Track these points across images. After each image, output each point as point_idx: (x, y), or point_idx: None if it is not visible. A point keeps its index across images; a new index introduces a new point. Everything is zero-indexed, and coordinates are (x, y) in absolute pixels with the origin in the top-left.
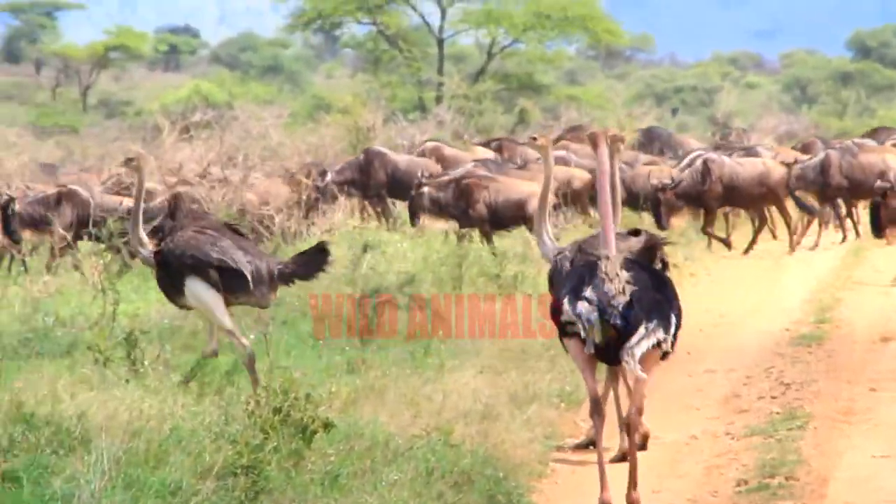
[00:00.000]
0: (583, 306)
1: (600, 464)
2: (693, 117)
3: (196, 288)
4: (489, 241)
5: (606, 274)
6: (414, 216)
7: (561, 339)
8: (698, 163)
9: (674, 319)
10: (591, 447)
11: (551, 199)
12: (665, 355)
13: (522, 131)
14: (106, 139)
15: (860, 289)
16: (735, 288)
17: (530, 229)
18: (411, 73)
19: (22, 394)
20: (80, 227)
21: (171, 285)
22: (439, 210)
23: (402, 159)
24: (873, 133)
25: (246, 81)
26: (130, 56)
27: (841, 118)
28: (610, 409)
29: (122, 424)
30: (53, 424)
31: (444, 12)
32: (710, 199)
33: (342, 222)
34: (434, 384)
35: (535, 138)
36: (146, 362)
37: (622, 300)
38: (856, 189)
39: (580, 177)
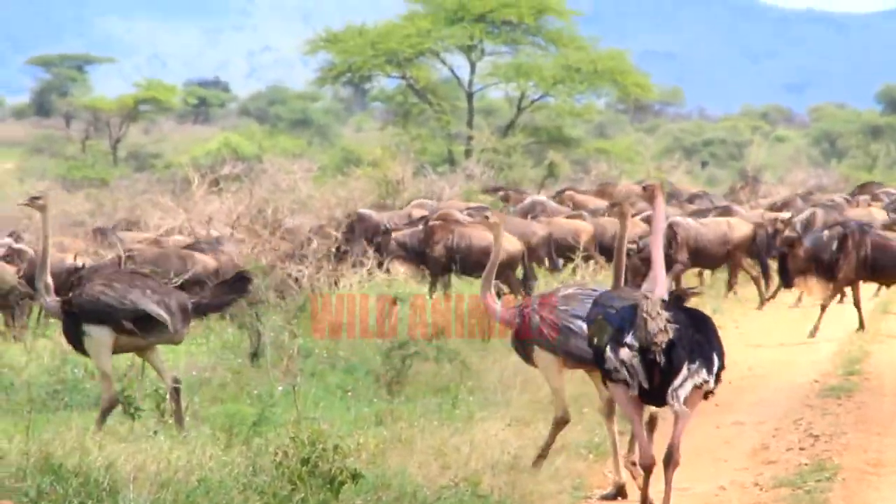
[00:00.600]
0: (624, 353)
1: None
2: (722, 171)
3: (95, 334)
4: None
5: (648, 313)
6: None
7: (604, 384)
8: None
9: (716, 360)
10: (620, 498)
11: (494, 269)
12: (707, 395)
13: (552, 185)
14: (135, 192)
15: (889, 341)
16: (763, 340)
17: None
18: (441, 126)
19: (51, 445)
20: None
21: (74, 334)
22: (405, 253)
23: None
24: (863, 188)
25: (275, 134)
26: (160, 109)
27: (870, 171)
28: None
29: (151, 475)
30: (82, 475)
31: (473, 66)
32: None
33: (365, 276)
34: (462, 435)
35: (486, 217)
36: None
37: (664, 339)
38: None
39: (586, 230)
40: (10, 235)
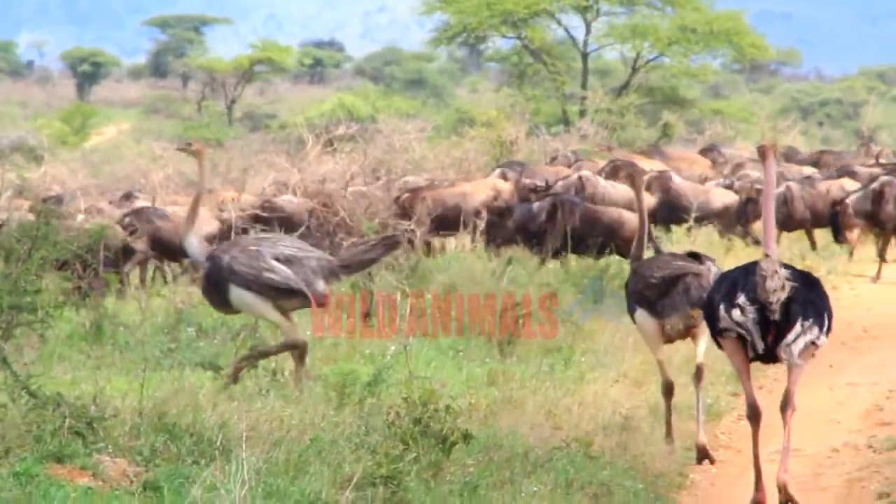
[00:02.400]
0: (737, 313)
1: (756, 465)
2: (838, 131)
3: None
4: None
5: (766, 271)
6: None
7: (716, 340)
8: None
9: (826, 318)
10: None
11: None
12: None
13: (666, 144)
14: (250, 152)
15: None
16: (878, 302)
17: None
18: (555, 86)
19: (165, 404)
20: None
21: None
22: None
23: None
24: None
25: (389, 95)
26: (275, 70)
27: None
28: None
29: (263, 434)
30: (195, 434)
31: (588, 26)
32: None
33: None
34: (573, 396)
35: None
36: (286, 373)
37: (783, 296)
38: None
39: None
40: (125, 196)
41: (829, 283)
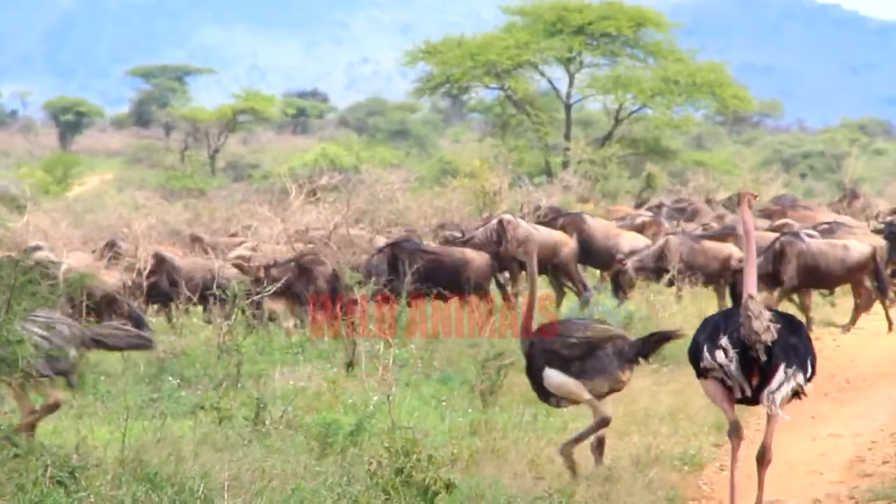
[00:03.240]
0: (720, 355)
1: (732, 482)
2: (821, 183)
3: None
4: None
5: (752, 311)
6: None
7: (699, 378)
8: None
9: (810, 364)
10: None
11: None
12: (797, 395)
13: (649, 196)
14: (233, 202)
15: None
16: (860, 353)
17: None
18: (538, 137)
19: (146, 453)
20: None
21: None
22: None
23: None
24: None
25: (373, 145)
26: (259, 119)
27: None
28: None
29: (245, 484)
30: (177, 484)
31: (571, 78)
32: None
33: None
34: (556, 445)
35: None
36: (267, 422)
37: (769, 337)
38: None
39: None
40: (109, 245)
41: (812, 335)
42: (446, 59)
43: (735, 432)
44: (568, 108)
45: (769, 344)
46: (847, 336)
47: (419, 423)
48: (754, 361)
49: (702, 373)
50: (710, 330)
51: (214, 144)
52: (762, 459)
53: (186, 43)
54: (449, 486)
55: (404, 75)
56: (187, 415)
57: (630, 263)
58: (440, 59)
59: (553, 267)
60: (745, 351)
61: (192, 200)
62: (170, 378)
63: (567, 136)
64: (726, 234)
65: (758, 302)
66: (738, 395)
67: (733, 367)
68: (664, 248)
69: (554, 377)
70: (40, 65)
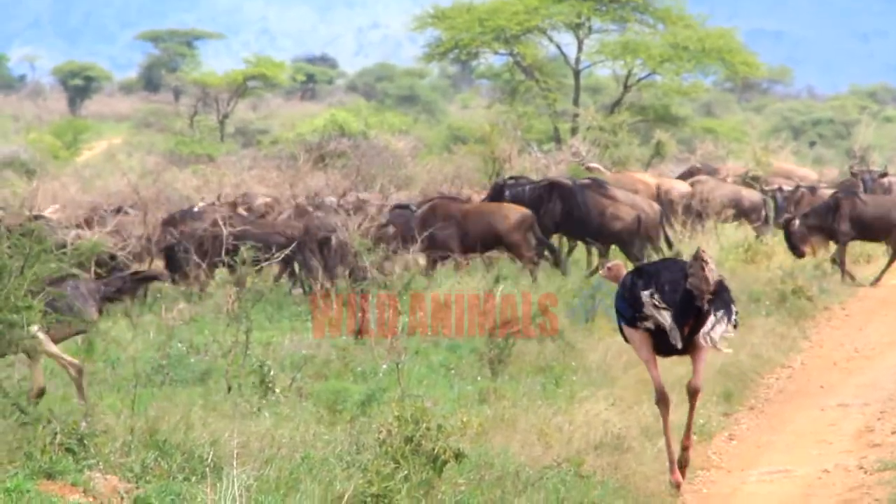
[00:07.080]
0: (658, 298)
1: (669, 449)
2: (830, 150)
3: None
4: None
5: (706, 261)
6: None
7: (621, 330)
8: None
9: (732, 311)
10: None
11: None
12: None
13: (658, 163)
14: (242, 167)
15: None
16: (870, 322)
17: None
18: (547, 103)
19: (155, 420)
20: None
21: None
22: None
23: None
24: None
25: (382, 111)
26: (268, 85)
27: None
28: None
29: (254, 452)
30: (186, 451)
31: (580, 44)
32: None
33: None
34: (565, 415)
35: None
36: (278, 390)
37: (715, 288)
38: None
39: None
40: (117, 210)
41: (821, 304)
42: (455, 25)
43: (662, 400)
44: (577, 74)
45: (712, 294)
46: (856, 304)
47: (428, 392)
48: (691, 310)
49: (631, 322)
50: (647, 279)
51: (224, 110)
52: (693, 392)
53: (195, 7)
54: (458, 455)
55: (413, 41)
56: (196, 382)
57: None
58: (449, 25)
59: None
60: (686, 300)
61: (200, 166)
62: (178, 344)
63: (576, 102)
64: None
65: (707, 252)
66: (670, 344)
67: (668, 315)
68: None
69: None
70: (49, 29)
